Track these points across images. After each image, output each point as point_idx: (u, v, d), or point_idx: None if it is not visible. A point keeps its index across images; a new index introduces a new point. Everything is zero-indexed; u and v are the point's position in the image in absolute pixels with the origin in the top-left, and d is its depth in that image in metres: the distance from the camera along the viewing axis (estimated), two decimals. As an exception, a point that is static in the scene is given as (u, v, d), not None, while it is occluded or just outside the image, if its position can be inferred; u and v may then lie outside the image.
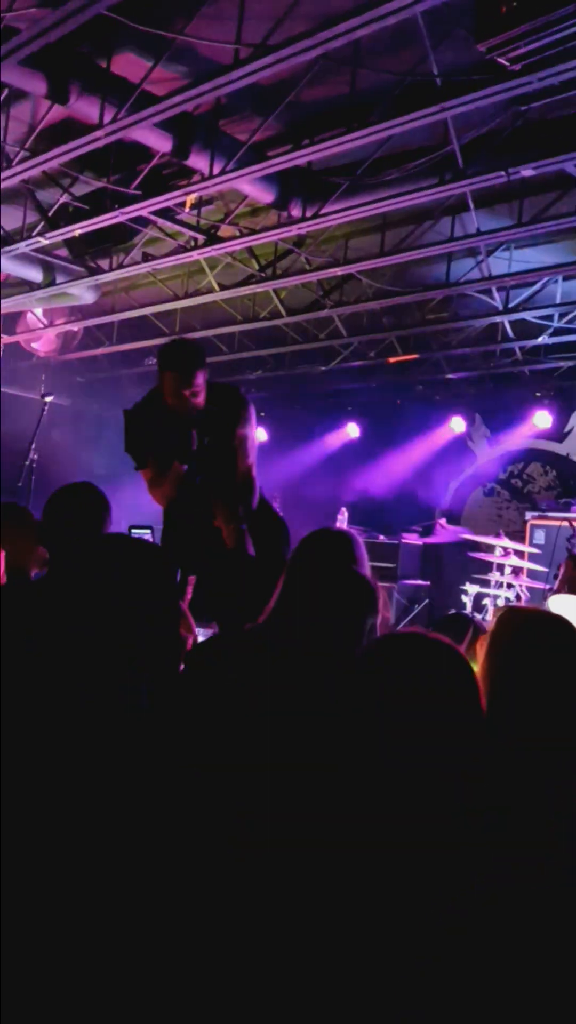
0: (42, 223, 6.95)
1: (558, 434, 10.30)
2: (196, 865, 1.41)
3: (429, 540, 10.17)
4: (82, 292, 8.51)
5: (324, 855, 1.26)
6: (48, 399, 7.30)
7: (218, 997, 1.24)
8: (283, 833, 1.38)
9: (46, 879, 1.38)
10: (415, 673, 1.30)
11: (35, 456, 7.19)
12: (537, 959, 1.21)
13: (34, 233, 7.01)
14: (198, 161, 5.62)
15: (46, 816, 1.45)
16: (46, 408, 7.27)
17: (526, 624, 1.72)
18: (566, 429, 10.25)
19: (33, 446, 7.14)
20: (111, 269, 7.78)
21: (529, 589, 7.80)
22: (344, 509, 9.49)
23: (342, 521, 9.08)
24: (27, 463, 7.19)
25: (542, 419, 10.22)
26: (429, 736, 1.25)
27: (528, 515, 9.43)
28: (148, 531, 3.79)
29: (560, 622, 1.70)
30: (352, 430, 11.96)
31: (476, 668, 1.74)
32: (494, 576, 7.58)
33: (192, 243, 7.11)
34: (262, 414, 11.97)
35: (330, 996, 1.15)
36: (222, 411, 3.75)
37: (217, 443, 3.75)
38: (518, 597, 7.55)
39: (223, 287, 8.08)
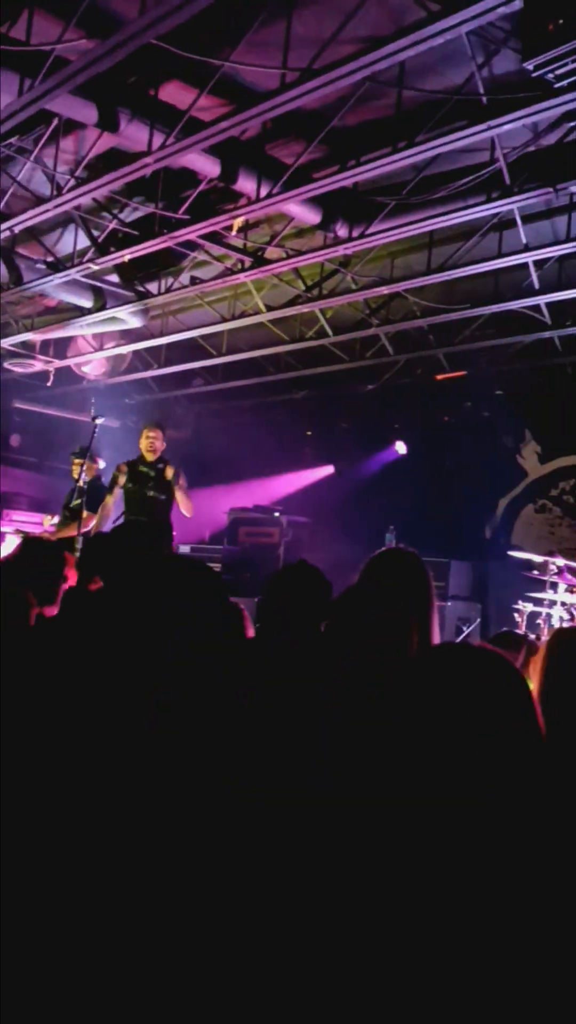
0: (92, 249, 7.07)
1: (610, 449, 10.15)
2: (219, 865, 1.40)
3: (480, 559, 10.07)
4: (131, 316, 8.63)
5: (374, 866, 1.24)
6: (99, 421, 7.44)
7: (225, 994, 1.23)
8: (326, 843, 1.37)
9: (61, 872, 1.38)
10: (467, 685, 1.26)
11: (87, 476, 7.36)
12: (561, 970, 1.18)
13: (84, 259, 7.14)
14: (245, 185, 5.69)
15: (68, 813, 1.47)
16: (96, 429, 7.42)
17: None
18: (618, 444, 10.09)
19: (84, 467, 7.30)
20: (160, 293, 7.88)
21: (583, 607, 7.66)
22: (393, 527, 9.45)
23: (391, 540, 9.04)
24: (79, 483, 7.38)
25: (594, 434, 10.09)
26: (482, 749, 1.21)
27: (581, 532, 9.29)
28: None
29: None
30: (400, 448, 11.92)
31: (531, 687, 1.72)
32: (547, 594, 7.46)
33: (239, 266, 7.17)
34: (308, 433, 11.99)
35: (342, 997, 1.13)
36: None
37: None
38: (572, 616, 7.43)
39: (270, 308, 8.14)
